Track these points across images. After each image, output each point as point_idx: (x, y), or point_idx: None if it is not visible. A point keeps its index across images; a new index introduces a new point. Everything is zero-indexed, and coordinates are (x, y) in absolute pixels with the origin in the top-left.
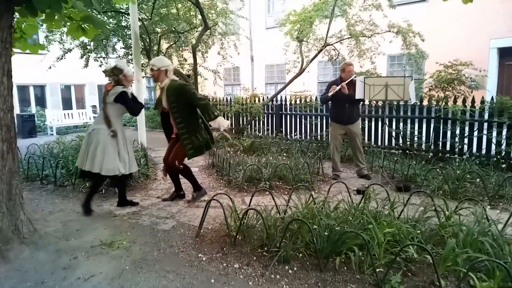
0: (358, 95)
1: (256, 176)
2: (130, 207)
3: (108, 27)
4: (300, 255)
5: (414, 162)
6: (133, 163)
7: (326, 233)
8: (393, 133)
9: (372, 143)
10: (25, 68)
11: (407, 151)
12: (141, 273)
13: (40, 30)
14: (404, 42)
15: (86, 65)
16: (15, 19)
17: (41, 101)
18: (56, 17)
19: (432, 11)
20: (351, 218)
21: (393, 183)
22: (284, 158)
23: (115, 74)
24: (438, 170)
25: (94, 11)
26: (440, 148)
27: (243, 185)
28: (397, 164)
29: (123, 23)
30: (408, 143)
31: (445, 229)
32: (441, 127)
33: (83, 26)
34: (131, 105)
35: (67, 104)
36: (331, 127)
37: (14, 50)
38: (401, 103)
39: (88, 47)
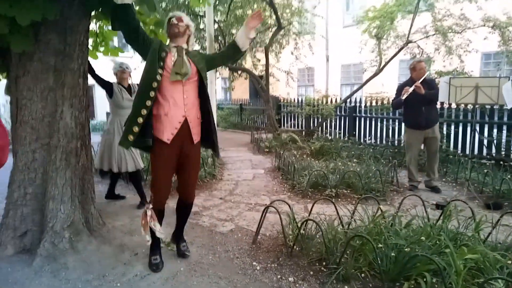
0: (442, 97)
1: (322, 182)
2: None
3: None
4: (362, 275)
5: (509, 176)
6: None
7: (393, 254)
8: (485, 141)
9: (459, 152)
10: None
11: (501, 163)
12: (194, 277)
13: None
14: (502, 37)
15: None
16: (97, 25)
17: None
18: None
19: None
20: (424, 238)
21: (482, 199)
22: (354, 164)
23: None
24: None
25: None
26: None
27: (307, 191)
28: (487, 177)
29: (201, 26)
30: (503, 153)
31: None
32: None
33: (155, 31)
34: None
35: None
36: (407, 133)
37: (97, 54)
38: (496, 106)
39: None
